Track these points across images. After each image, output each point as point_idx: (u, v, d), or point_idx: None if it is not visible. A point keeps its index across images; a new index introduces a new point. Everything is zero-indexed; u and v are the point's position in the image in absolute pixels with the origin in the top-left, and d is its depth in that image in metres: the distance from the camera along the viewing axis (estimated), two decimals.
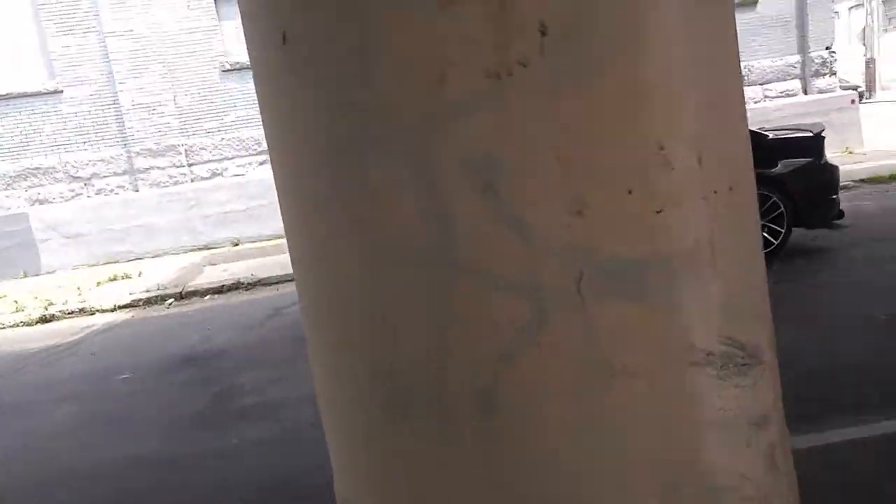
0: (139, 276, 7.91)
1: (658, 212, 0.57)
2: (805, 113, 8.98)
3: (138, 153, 9.67)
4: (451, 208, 0.57)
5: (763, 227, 4.46)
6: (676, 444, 0.60)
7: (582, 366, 0.58)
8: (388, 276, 0.60)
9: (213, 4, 9.62)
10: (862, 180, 7.18)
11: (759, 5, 10.18)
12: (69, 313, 6.49)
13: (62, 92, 9.38)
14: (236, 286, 6.69)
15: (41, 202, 9.49)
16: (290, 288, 6.42)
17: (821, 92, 10.40)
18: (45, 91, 9.31)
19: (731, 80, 0.64)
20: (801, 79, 10.61)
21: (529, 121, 0.55)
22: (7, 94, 9.22)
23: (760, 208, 1.39)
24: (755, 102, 10.15)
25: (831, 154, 5.53)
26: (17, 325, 6.36)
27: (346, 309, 0.65)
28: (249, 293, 6.49)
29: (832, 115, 9.17)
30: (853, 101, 9.24)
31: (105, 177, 9.68)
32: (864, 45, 16.92)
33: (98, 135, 9.58)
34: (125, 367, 4.31)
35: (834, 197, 4.71)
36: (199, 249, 9.34)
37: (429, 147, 0.56)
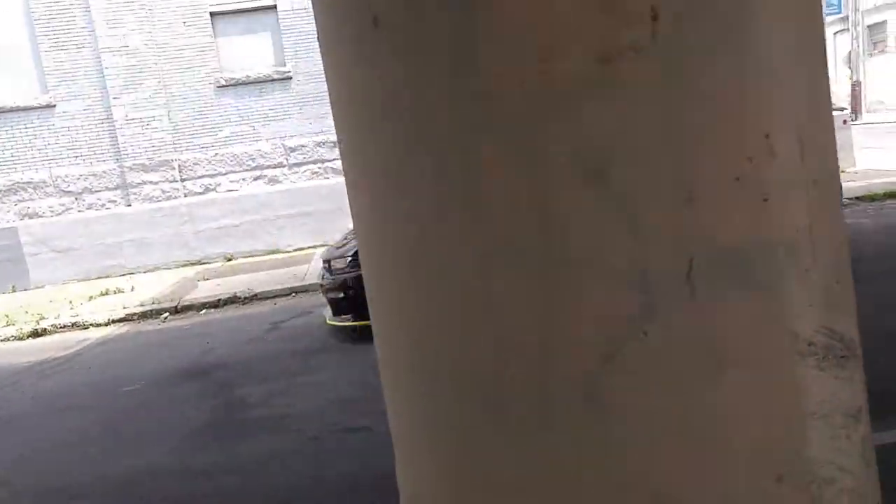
0: (132, 290, 7.81)
1: (764, 200, 0.57)
2: None
3: (131, 168, 9.61)
4: (557, 197, 0.56)
5: None
6: (781, 437, 0.60)
7: (689, 358, 0.57)
8: (492, 267, 0.59)
9: (210, 21, 9.67)
10: (857, 198, 7.36)
11: None
12: (62, 327, 6.37)
13: (55, 106, 9.33)
14: (233, 300, 6.62)
15: (31, 216, 9.36)
16: (287, 302, 6.36)
17: None
18: (38, 105, 9.26)
19: (821, 69, 0.64)
20: None
21: (640, 107, 0.54)
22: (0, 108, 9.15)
23: None
24: None
25: None
26: (9, 340, 6.22)
27: (444, 301, 0.63)
28: (246, 307, 6.43)
29: None
30: (845, 122, 9.47)
31: (97, 191, 9.59)
32: (850, 68, 17.41)
33: (91, 149, 9.52)
34: (126, 380, 4.23)
35: None
36: (193, 264, 9.25)
37: (536, 134, 0.56)
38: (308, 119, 9.91)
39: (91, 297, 7.55)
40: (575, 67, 0.54)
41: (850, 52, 17.62)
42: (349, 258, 4.29)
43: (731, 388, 0.58)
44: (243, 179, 9.95)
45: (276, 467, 2.64)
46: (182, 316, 6.46)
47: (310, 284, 6.68)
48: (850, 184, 7.94)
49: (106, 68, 9.40)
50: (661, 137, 0.55)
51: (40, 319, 6.53)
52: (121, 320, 6.51)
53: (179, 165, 9.79)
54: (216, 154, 9.85)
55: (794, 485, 0.61)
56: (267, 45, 9.90)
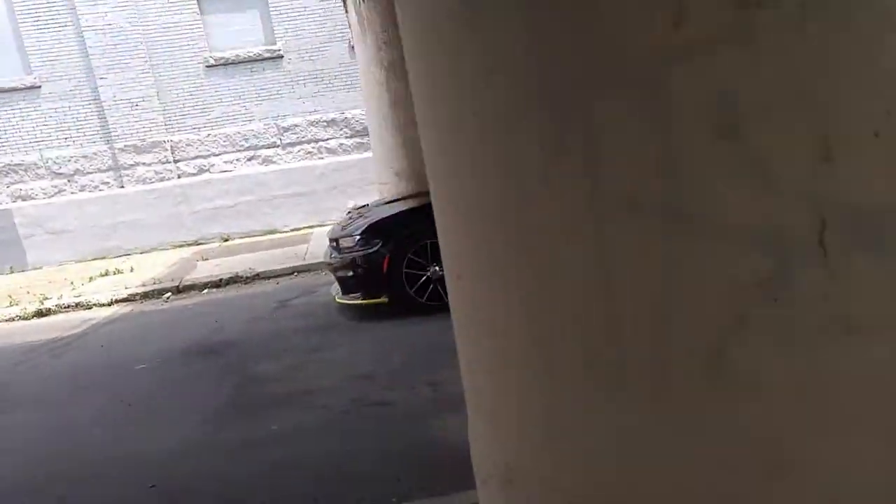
0: (131, 271, 7.88)
1: None
2: None
3: (122, 149, 9.56)
4: (684, 152, 0.53)
5: None
6: None
7: (818, 322, 0.54)
8: (612, 228, 0.57)
9: None
10: None
11: None
12: (65, 307, 6.46)
13: (40, 87, 9.21)
14: (234, 280, 6.73)
15: (24, 198, 9.32)
16: (290, 281, 6.50)
17: None
18: (23, 86, 9.13)
19: None
20: None
21: (776, 55, 0.50)
22: None
23: None
24: None
25: None
26: (14, 319, 6.29)
27: (558, 271, 0.61)
28: (248, 286, 6.54)
29: None
30: None
31: (89, 173, 9.55)
32: None
33: (79, 131, 9.44)
34: (139, 359, 4.33)
35: None
36: (189, 245, 9.31)
37: (664, 88, 0.52)
38: (300, 98, 9.89)
39: (91, 278, 7.62)
40: (709, 14, 0.51)
41: None
42: (357, 237, 4.46)
43: (859, 353, 0.55)
44: (237, 160, 9.94)
45: (309, 442, 2.70)
46: (184, 296, 6.56)
47: (311, 264, 6.82)
48: None
49: (90, 47, 9.25)
50: (797, 91, 0.51)
51: (44, 300, 6.61)
52: (123, 300, 6.60)
53: (172, 146, 9.76)
54: (208, 135, 9.82)
55: None
56: (256, 22, 9.81)
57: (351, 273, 4.46)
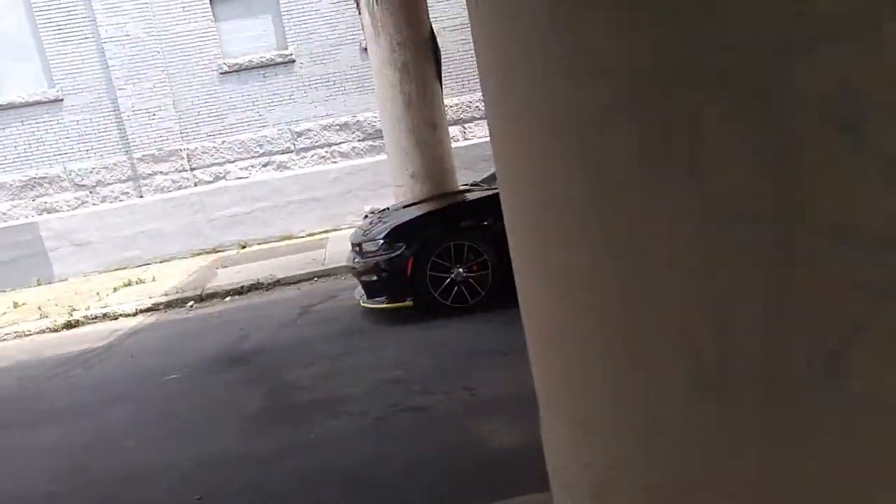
0: (152, 280, 7.97)
1: None
2: None
3: (141, 159, 9.67)
4: (803, 152, 0.50)
5: None
6: None
7: None
8: (717, 233, 0.54)
9: (209, 5, 9.62)
10: None
11: None
12: (93, 318, 6.55)
13: (63, 100, 9.35)
14: (256, 286, 6.78)
15: (49, 211, 9.48)
16: (311, 287, 6.52)
17: None
18: (47, 100, 9.28)
19: None
20: None
21: None
22: (9, 104, 9.18)
23: None
24: None
25: None
26: (44, 332, 6.40)
27: (662, 275, 0.59)
28: (270, 293, 6.58)
29: None
30: None
31: (109, 184, 9.68)
32: None
33: (100, 142, 9.58)
34: (168, 368, 4.37)
35: None
36: (207, 253, 9.40)
37: (778, 80, 0.50)
38: (313, 102, 9.93)
39: (115, 289, 7.72)
40: (835, 3, 0.48)
41: None
42: (381, 241, 4.45)
43: None
44: (252, 166, 10.02)
45: (347, 449, 2.68)
46: (207, 304, 6.61)
47: (331, 269, 6.84)
48: None
49: (110, 59, 9.38)
50: None
51: (72, 311, 6.71)
52: (148, 310, 6.68)
53: (188, 155, 9.85)
54: (223, 142, 9.90)
55: None
56: (268, 27, 9.86)
57: (375, 277, 4.45)
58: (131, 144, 9.65)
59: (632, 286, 0.63)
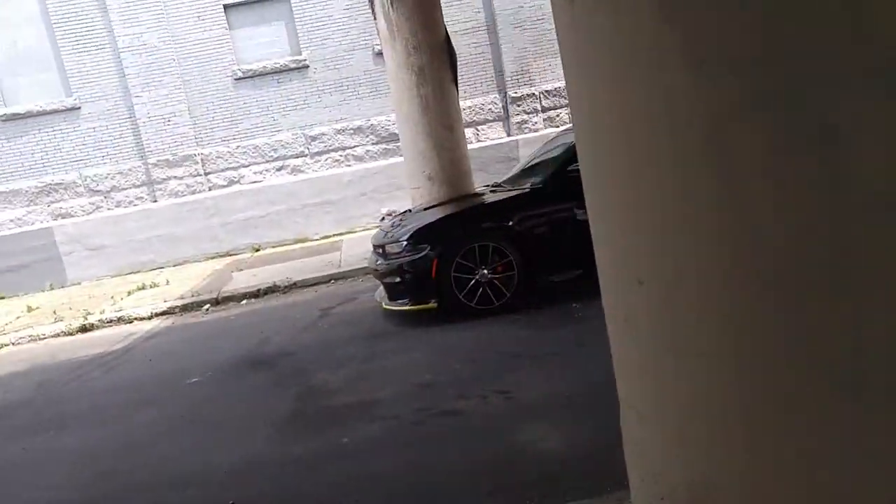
0: (167, 283, 7.94)
1: None
2: None
3: (155, 164, 9.70)
4: None
5: None
6: None
7: None
8: (854, 225, 0.53)
9: (224, 13, 9.67)
10: None
11: None
12: (108, 322, 6.52)
13: (80, 108, 9.41)
14: (272, 289, 6.72)
15: (63, 216, 9.52)
16: (328, 289, 6.46)
17: None
18: (64, 108, 9.35)
19: None
20: None
21: None
22: (27, 113, 9.26)
23: None
24: None
25: None
26: (59, 335, 6.37)
27: (790, 266, 0.57)
28: (286, 296, 6.53)
29: None
30: None
31: (124, 189, 9.71)
32: None
33: (116, 148, 9.63)
34: (189, 372, 4.30)
35: None
36: (221, 256, 9.38)
37: None
38: (327, 107, 9.93)
39: (129, 292, 7.70)
40: None
41: None
42: (404, 242, 4.39)
43: None
44: (266, 170, 10.02)
45: (383, 454, 2.59)
46: (223, 307, 6.57)
47: (347, 271, 6.79)
48: None
49: (126, 67, 9.45)
50: None
51: (87, 315, 6.68)
52: (163, 313, 6.64)
53: (202, 159, 9.87)
54: (238, 146, 9.91)
55: None
56: (282, 34, 9.89)
57: (398, 279, 4.39)
58: (146, 150, 9.68)
59: (751, 288, 0.61)
